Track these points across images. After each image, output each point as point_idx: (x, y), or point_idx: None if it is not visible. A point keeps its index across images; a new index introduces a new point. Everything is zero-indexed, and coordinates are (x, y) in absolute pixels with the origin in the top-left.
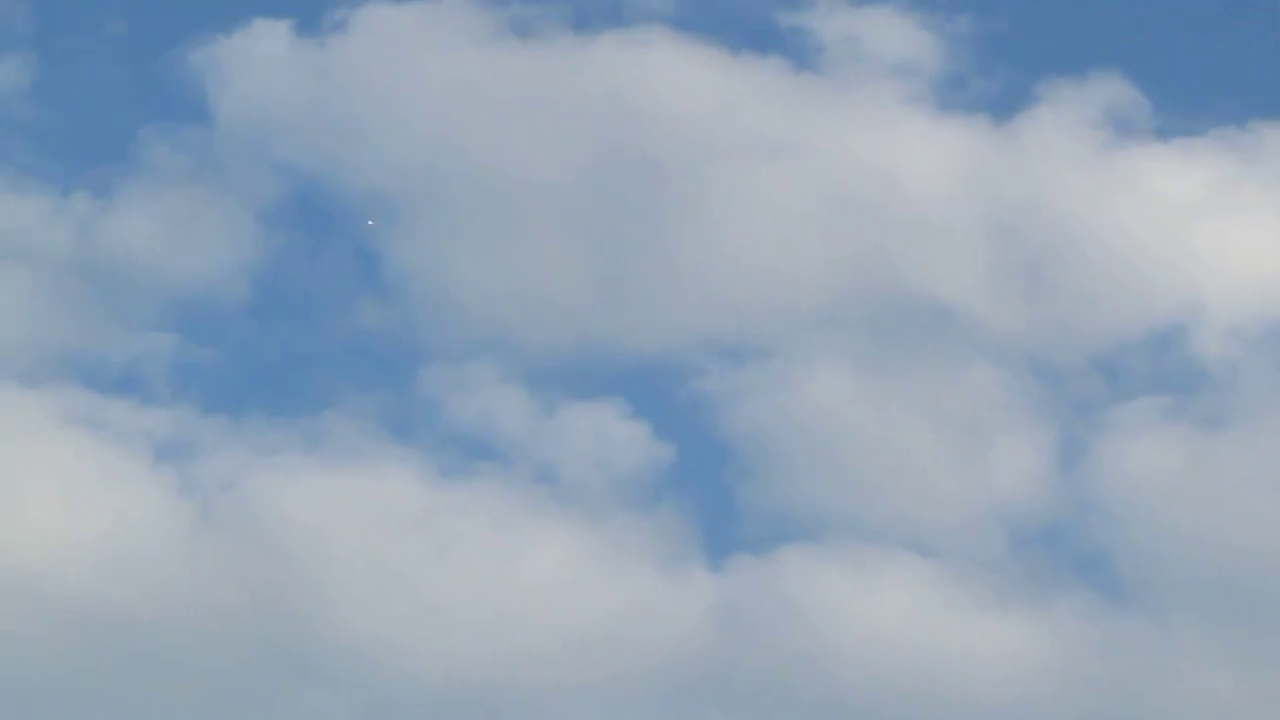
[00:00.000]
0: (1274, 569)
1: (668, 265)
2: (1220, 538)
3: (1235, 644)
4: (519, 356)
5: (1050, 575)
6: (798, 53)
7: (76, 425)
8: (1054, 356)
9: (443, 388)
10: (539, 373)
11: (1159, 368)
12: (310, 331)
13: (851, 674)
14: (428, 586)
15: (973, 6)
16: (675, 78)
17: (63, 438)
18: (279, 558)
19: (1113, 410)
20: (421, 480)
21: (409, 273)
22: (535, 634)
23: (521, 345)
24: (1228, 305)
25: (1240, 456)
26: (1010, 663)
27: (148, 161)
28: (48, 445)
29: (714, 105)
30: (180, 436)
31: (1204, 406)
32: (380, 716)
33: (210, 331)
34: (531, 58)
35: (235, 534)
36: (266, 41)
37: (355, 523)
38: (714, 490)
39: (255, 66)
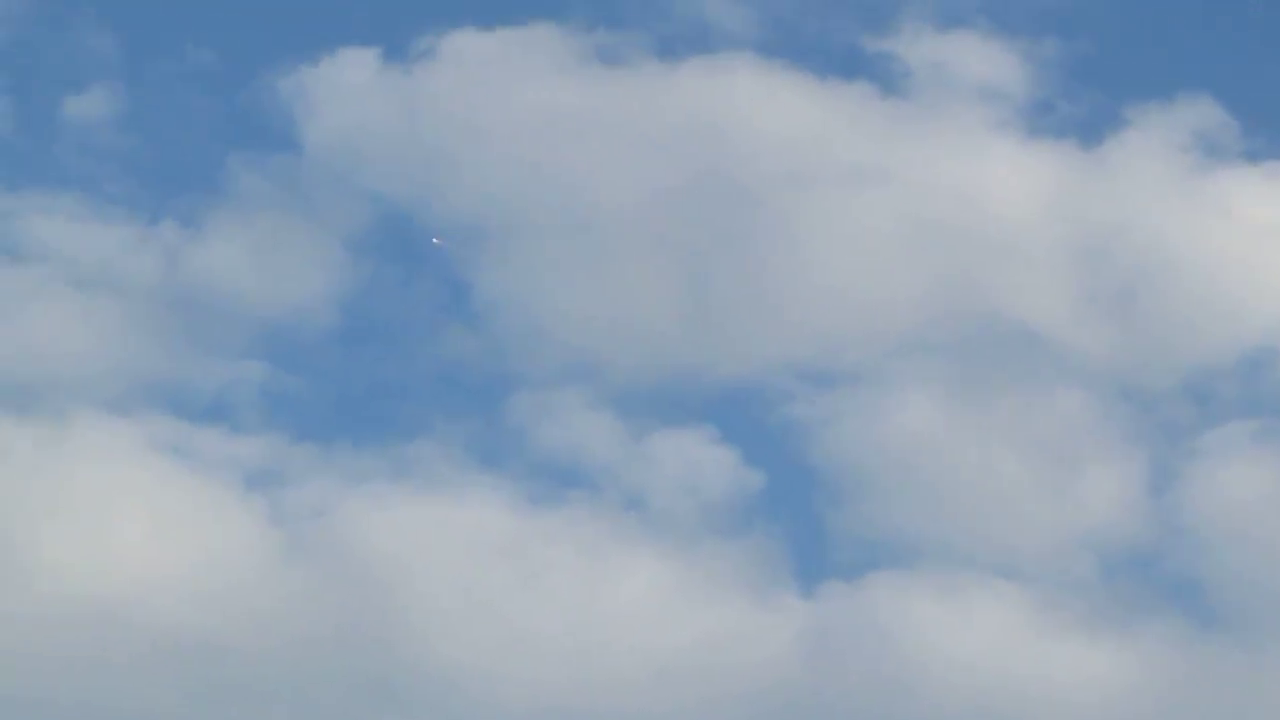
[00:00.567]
0: None
1: (756, 291)
2: None
3: None
4: (608, 383)
5: (1140, 601)
6: (884, 78)
7: (166, 454)
8: (1144, 381)
9: (531, 415)
10: (628, 399)
11: (1250, 391)
12: (399, 360)
13: (941, 700)
14: (516, 615)
15: (1059, 30)
16: (762, 104)
17: (152, 466)
18: (367, 586)
19: (1203, 435)
20: (510, 508)
21: (497, 300)
22: (624, 661)
23: (611, 372)
24: None
25: None
26: (1099, 689)
27: (235, 190)
28: (137, 474)
29: (801, 131)
30: (270, 465)
31: None
32: None
33: (299, 360)
34: (618, 85)
35: (324, 563)
36: (354, 69)
37: (444, 551)
38: (803, 517)
39: (343, 95)
